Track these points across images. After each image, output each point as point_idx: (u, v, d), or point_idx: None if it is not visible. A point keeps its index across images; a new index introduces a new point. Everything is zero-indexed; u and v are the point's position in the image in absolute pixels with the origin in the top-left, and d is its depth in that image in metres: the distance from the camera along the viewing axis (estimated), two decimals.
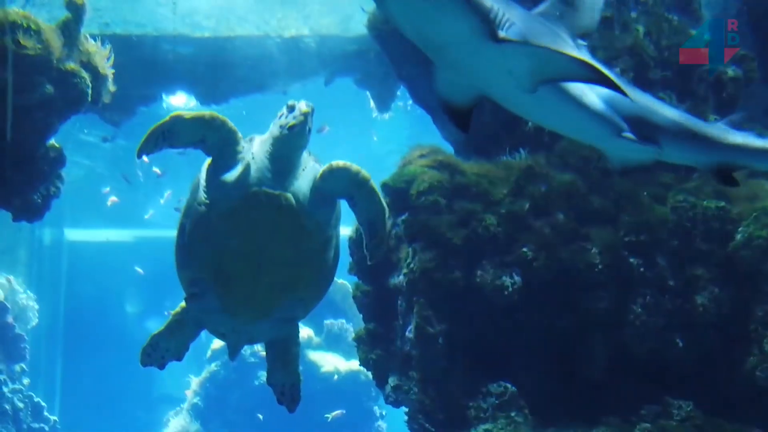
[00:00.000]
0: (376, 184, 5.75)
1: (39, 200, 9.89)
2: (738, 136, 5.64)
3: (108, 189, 26.58)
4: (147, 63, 13.02)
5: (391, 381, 8.90)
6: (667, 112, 5.48)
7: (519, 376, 8.14)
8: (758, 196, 7.97)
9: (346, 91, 15.11)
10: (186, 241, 5.93)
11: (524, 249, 8.04)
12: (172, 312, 6.42)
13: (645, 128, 5.24)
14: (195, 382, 24.12)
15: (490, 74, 4.49)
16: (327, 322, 23.20)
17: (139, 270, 33.65)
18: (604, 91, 4.95)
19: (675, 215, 8.01)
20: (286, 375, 6.46)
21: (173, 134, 5.61)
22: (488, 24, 4.16)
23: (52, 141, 9.91)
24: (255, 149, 5.69)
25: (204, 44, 13.62)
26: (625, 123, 5.10)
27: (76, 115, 9.64)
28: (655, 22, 9.10)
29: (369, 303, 9.33)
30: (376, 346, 9.18)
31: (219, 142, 5.63)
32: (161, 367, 6.61)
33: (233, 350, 6.57)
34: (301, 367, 6.61)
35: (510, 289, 7.92)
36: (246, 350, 23.02)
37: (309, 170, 5.72)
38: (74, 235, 35.28)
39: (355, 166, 5.68)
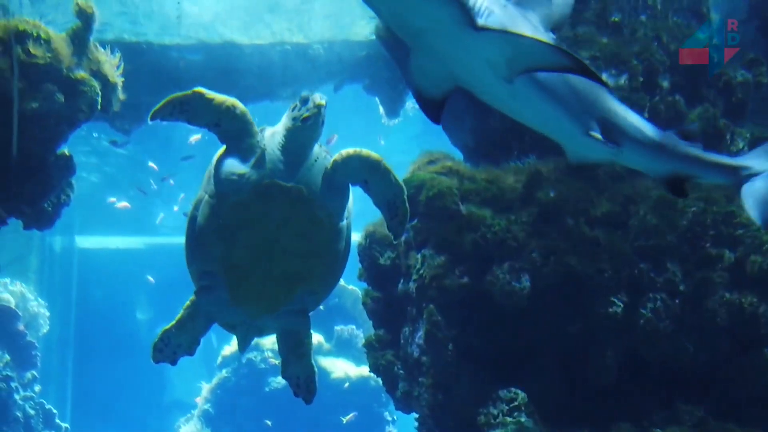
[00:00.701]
0: (389, 164, 5.78)
1: (49, 208, 9.94)
2: (689, 148, 5.74)
3: (114, 199, 26.66)
4: (156, 71, 13.07)
5: (401, 387, 8.91)
6: (630, 116, 5.55)
7: (529, 382, 8.11)
8: None
9: (355, 97, 15.14)
10: (197, 234, 5.92)
11: (533, 254, 8.03)
12: (183, 306, 6.40)
13: (609, 129, 5.30)
14: (206, 388, 24.22)
15: (467, 62, 4.49)
16: (337, 328, 23.24)
17: (151, 279, 33.74)
18: (577, 89, 5.03)
19: (685, 220, 7.99)
20: (301, 367, 6.45)
21: (191, 109, 5.60)
22: (467, 11, 4.19)
23: (63, 149, 9.95)
24: (267, 141, 5.69)
25: (213, 51, 13.68)
26: (593, 122, 5.18)
27: (86, 123, 9.67)
28: (664, 26, 9.08)
29: (379, 309, 9.34)
30: (386, 352, 9.19)
31: (234, 131, 5.64)
32: (173, 362, 6.56)
33: (243, 342, 6.56)
34: None
35: (519, 294, 7.92)
36: (256, 357, 23.15)
37: (321, 161, 5.73)
38: (85, 242, 35.40)
39: (365, 151, 5.70)
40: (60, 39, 8.90)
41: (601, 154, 5.50)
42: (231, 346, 24.14)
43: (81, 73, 9.12)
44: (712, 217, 7.91)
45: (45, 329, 23.95)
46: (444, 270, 8.12)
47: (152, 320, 37.83)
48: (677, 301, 7.90)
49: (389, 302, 9.16)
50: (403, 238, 8.80)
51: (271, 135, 5.71)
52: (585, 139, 5.20)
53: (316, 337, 22.21)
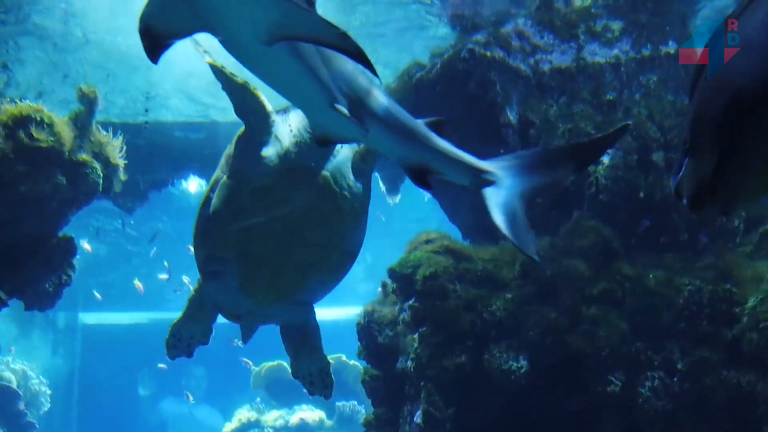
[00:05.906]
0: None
1: (51, 289, 9.97)
2: (438, 141, 5.56)
3: (139, 284, 26.75)
4: (157, 150, 13.20)
5: None
6: (382, 98, 5.31)
7: None
8: (764, 278, 7.93)
9: None
10: (210, 216, 5.73)
11: (531, 333, 8.03)
12: (188, 297, 6.32)
13: (359, 108, 5.07)
14: None
15: (228, 18, 4.13)
16: (339, 404, 22.99)
17: (163, 366, 33.52)
18: (330, 60, 4.81)
19: (681, 298, 7.98)
20: (314, 361, 6.35)
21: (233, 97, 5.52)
22: None
23: (65, 231, 10.04)
24: (293, 123, 5.54)
25: (212, 129, 13.84)
26: (342, 97, 4.94)
27: (87, 205, 9.77)
28: (657, 105, 9.20)
29: (378, 387, 9.30)
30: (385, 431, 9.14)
31: (247, 111, 5.51)
32: (189, 355, 6.43)
33: (247, 333, 6.38)
34: None
35: (517, 373, 7.91)
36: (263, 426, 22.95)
37: (346, 148, 5.63)
38: (89, 318, 35.28)
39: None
40: (62, 123, 9.05)
41: (347, 131, 5.23)
42: (232, 423, 23.98)
43: (83, 156, 9.24)
44: (708, 296, 7.90)
45: (46, 407, 23.82)
46: (441, 349, 8.12)
47: (155, 396, 37.52)
48: (675, 379, 7.87)
49: (388, 380, 9.13)
50: (401, 317, 8.82)
51: (300, 117, 5.54)
52: (330, 113, 4.92)
53: (318, 414, 22.10)
